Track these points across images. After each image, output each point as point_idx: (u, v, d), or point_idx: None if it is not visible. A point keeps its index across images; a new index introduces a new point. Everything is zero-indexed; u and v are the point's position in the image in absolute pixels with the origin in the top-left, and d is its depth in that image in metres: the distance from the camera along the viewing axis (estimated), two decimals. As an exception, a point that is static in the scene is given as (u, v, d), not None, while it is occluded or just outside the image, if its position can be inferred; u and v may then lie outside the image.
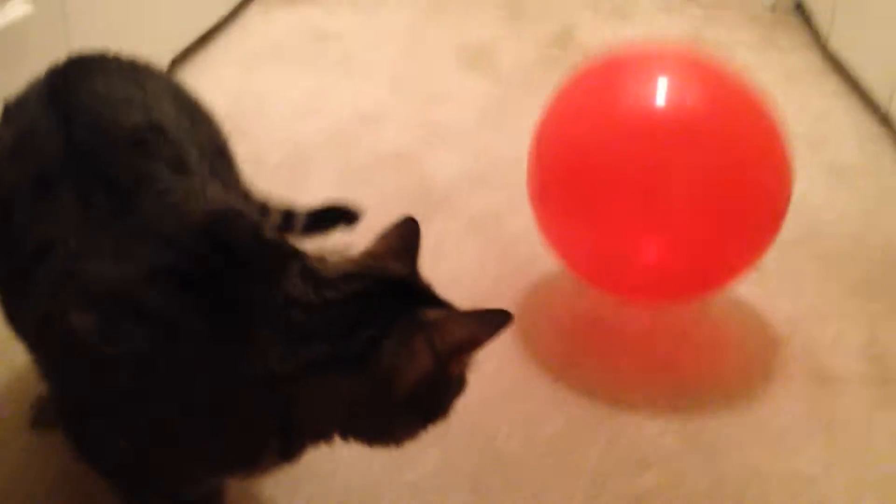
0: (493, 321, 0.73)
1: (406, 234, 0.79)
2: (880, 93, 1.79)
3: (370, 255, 0.78)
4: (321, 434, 0.77)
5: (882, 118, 1.80)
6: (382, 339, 0.71)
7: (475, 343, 0.74)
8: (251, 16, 2.20)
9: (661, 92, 1.13)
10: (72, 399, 0.78)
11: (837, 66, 2.02)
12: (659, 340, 1.22)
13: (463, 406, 1.08)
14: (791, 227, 1.48)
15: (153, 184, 0.79)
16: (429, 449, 1.02)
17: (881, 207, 1.55)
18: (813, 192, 1.59)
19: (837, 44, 2.03)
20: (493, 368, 1.13)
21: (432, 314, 0.74)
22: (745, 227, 1.14)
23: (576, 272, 1.24)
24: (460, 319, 0.74)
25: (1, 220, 0.82)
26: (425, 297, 0.77)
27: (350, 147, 1.69)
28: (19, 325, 0.85)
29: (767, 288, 1.34)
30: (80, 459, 0.81)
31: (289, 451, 0.77)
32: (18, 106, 0.89)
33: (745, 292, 1.33)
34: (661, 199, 1.09)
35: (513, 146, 1.70)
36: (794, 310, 1.30)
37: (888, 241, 1.46)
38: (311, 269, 0.75)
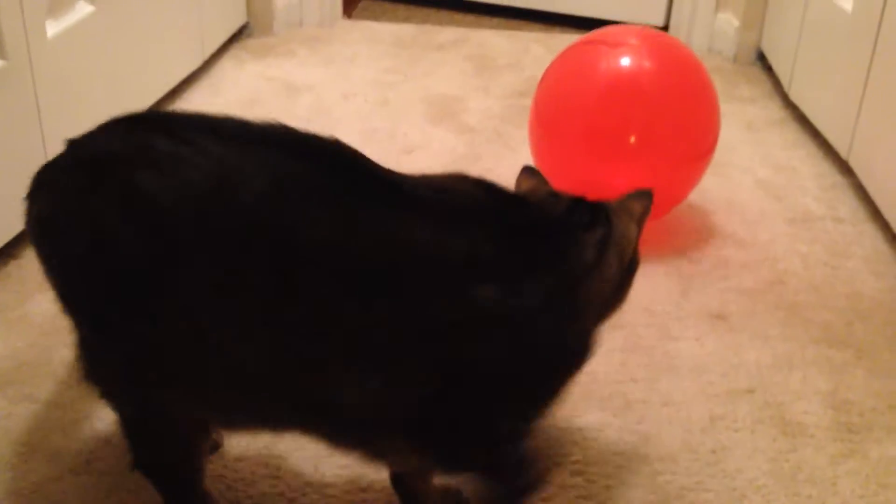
0: (647, 196, 0.99)
1: (531, 174, 1.01)
2: (840, 142, 1.83)
3: (533, 190, 0.99)
4: (602, 318, 0.95)
5: (842, 167, 1.84)
6: (612, 224, 0.93)
7: (648, 213, 0.99)
8: (223, 68, 2.22)
9: (625, 61, 1.51)
10: (458, 402, 0.83)
11: (798, 116, 2.07)
12: (627, 389, 1.23)
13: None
14: (755, 276, 1.51)
15: (406, 182, 0.92)
16: None
17: (844, 256, 1.58)
18: (776, 241, 1.62)
19: (798, 94, 2.08)
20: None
21: (611, 203, 0.96)
22: (680, 161, 1.54)
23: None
24: (629, 200, 0.98)
25: (279, 258, 0.79)
26: None
27: (320, 199, 1.69)
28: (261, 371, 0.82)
29: (732, 336, 1.36)
30: (459, 467, 0.91)
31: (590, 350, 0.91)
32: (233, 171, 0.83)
33: (711, 339, 1.34)
34: (623, 139, 1.50)
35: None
36: (760, 358, 1.31)
37: (852, 289, 1.48)
38: (545, 194, 0.95)
